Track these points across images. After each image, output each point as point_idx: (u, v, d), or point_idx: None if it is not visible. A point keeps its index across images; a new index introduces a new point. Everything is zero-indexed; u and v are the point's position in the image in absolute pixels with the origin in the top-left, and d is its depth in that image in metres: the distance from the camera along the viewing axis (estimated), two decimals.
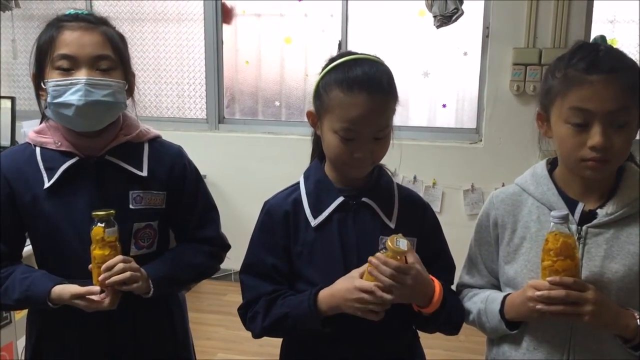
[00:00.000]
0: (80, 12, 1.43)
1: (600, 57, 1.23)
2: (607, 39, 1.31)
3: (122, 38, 1.47)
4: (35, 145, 1.45)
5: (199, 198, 1.60)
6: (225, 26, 4.51)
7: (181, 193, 1.55)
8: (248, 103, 4.65)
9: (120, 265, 1.33)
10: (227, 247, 1.64)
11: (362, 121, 1.28)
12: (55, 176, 1.41)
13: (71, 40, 1.36)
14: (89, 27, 1.39)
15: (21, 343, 2.36)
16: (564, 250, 1.18)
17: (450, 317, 1.37)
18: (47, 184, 1.40)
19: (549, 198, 1.32)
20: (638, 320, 1.22)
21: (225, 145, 4.41)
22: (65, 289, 1.36)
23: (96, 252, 1.33)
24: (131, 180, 1.45)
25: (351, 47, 4.20)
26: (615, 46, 1.31)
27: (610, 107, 1.19)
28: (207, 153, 4.16)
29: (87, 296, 1.34)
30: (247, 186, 4.21)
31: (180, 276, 1.51)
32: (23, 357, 1.58)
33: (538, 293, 1.19)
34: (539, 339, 1.32)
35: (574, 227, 1.28)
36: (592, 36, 1.41)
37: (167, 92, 4.65)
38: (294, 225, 1.39)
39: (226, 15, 4.51)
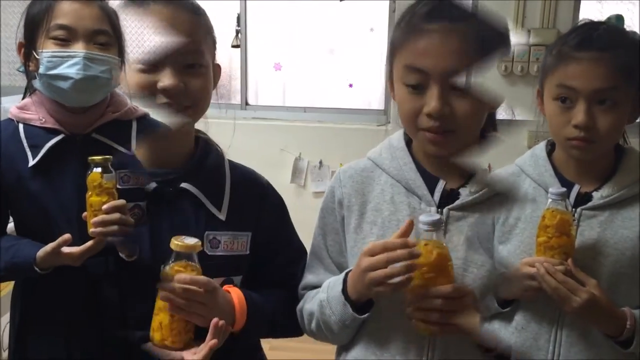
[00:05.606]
0: None
1: (595, 35, 1.25)
2: (595, 19, 1.34)
3: (116, 14, 1.46)
4: (18, 122, 1.43)
5: None
6: None
7: None
8: None
9: (117, 215, 1.28)
10: None
11: None
12: (40, 154, 1.38)
13: (70, 11, 1.38)
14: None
15: (5, 320, 2.42)
16: (561, 227, 1.21)
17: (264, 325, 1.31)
18: (31, 162, 1.38)
19: (546, 179, 1.34)
20: (628, 323, 1.21)
21: None
22: (45, 250, 1.32)
23: (93, 199, 1.30)
24: (119, 158, 1.41)
25: (250, 21, 4.02)
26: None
27: (596, 86, 1.22)
28: None
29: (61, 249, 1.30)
30: None
31: None
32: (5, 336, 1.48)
33: (543, 266, 1.20)
34: (527, 319, 1.31)
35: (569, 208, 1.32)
36: (581, 16, 1.44)
37: None
38: None
39: None
